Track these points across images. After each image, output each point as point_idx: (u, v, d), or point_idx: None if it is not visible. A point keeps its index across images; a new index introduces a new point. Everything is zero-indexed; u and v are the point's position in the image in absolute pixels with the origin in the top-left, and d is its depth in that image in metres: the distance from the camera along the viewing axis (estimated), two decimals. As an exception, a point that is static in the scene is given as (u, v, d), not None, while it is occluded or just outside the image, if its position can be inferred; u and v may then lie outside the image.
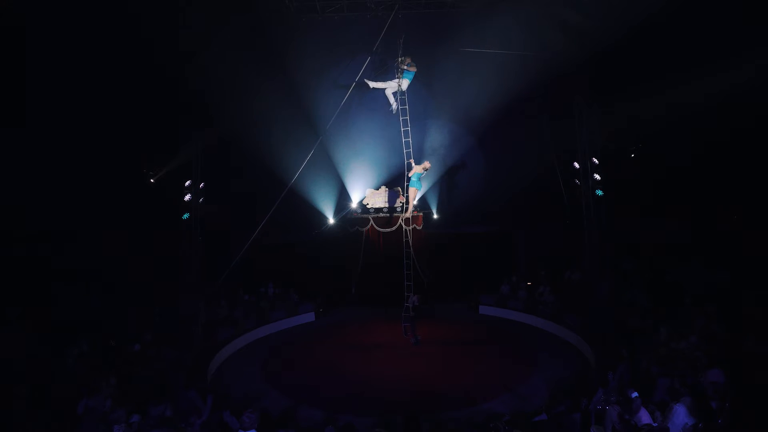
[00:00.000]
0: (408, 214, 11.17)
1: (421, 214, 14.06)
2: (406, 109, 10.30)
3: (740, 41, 8.60)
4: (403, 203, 11.59)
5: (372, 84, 10.02)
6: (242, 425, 6.16)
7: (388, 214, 13.95)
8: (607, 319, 10.66)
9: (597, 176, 11.58)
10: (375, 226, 14.06)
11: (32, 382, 7.61)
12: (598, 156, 11.54)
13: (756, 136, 9.91)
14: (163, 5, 9.21)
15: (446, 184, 14.51)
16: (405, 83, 10.02)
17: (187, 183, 11.44)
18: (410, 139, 10.44)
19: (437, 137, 13.50)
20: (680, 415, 5.88)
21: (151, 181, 11.82)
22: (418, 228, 13.85)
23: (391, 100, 10.24)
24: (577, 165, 11.90)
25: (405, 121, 10.36)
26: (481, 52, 10.83)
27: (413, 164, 10.34)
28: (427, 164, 10.24)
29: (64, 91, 9.48)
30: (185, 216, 11.52)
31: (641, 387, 6.88)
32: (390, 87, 10.12)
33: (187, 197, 11.42)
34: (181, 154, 11.77)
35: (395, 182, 11.35)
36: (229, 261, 10.16)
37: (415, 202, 13.44)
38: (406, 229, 11.83)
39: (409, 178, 10.38)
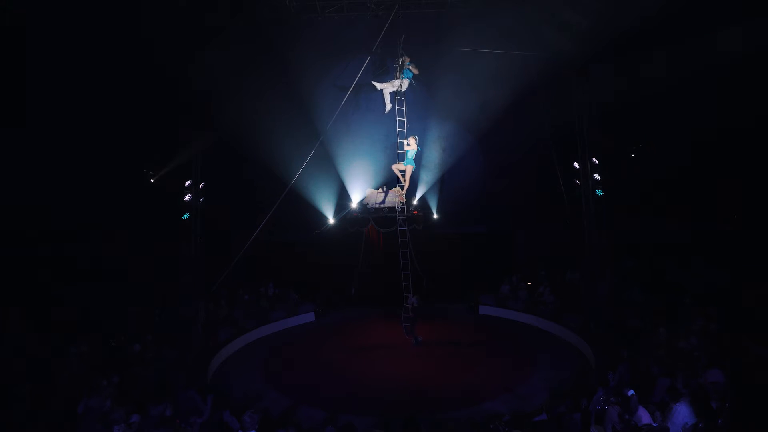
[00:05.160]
0: (406, 185, 11.18)
1: (421, 214, 14.05)
2: (403, 110, 10.36)
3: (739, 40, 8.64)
4: (402, 203, 11.59)
5: (379, 85, 10.10)
6: (243, 425, 6.16)
7: (388, 214, 13.93)
8: (607, 319, 10.66)
9: (597, 176, 11.59)
10: (375, 226, 14.05)
11: (32, 382, 7.61)
12: (599, 154, 11.55)
13: (756, 135, 9.93)
14: (164, 5, 9.22)
15: (446, 183, 14.50)
16: (405, 83, 10.08)
17: (187, 183, 11.44)
18: (405, 140, 10.53)
19: (436, 137, 13.50)
20: (680, 415, 5.89)
21: (152, 181, 11.82)
22: (418, 228, 13.83)
23: (388, 100, 10.29)
24: (577, 165, 11.90)
25: (402, 122, 10.44)
26: (481, 51, 10.83)
27: (406, 148, 10.57)
28: (413, 140, 10.48)
29: (64, 91, 9.48)
30: (185, 216, 11.52)
31: (641, 387, 6.89)
32: (392, 86, 10.17)
33: (187, 197, 11.42)
34: (182, 154, 11.77)
35: (395, 182, 11.35)
36: (229, 261, 10.15)
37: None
38: (405, 229, 11.83)
39: (402, 155, 10.60)
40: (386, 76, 10.89)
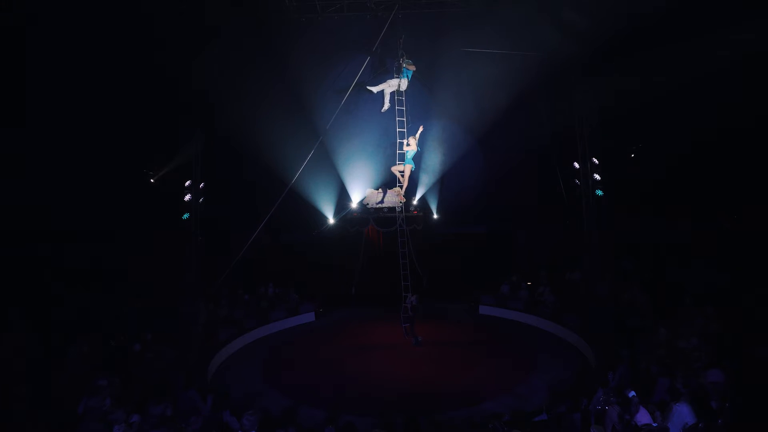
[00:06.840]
0: (405, 185, 11.18)
1: (421, 214, 14.05)
2: (403, 110, 10.36)
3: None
4: (402, 203, 11.60)
5: (375, 89, 10.09)
6: (242, 427, 6.16)
7: (388, 214, 13.94)
8: (607, 319, 10.66)
9: (597, 176, 11.60)
10: (375, 226, 14.05)
11: (32, 382, 7.61)
12: (599, 154, 11.56)
13: (755, 135, 9.95)
14: (164, 5, 9.22)
15: (446, 183, 14.51)
16: (405, 83, 10.08)
17: (187, 183, 11.45)
18: (405, 140, 10.55)
19: (436, 136, 13.50)
20: (680, 414, 5.89)
21: (152, 181, 11.82)
22: (417, 228, 13.84)
23: (387, 99, 10.30)
24: (577, 165, 11.90)
25: (402, 122, 10.45)
26: (481, 51, 10.83)
27: (405, 147, 10.61)
28: (413, 140, 10.47)
29: (64, 91, 9.49)
30: (185, 216, 11.53)
31: (641, 387, 6.89)
32: (390, 86, 10.16)
33: (187, 197, 11.43)
34: (181, 154, 11.79)
35: (395, 182, 11.36)
36: (229, 261, 10.16)
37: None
38: (404, 229, 11.84)
39: (402, 155, 10.65)
40: (384, 77, 10.89)
